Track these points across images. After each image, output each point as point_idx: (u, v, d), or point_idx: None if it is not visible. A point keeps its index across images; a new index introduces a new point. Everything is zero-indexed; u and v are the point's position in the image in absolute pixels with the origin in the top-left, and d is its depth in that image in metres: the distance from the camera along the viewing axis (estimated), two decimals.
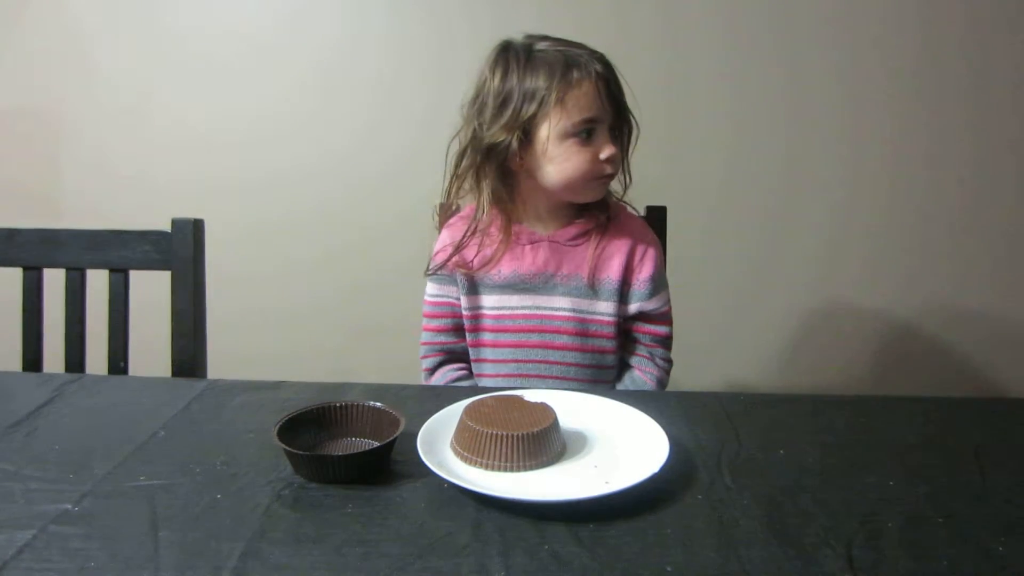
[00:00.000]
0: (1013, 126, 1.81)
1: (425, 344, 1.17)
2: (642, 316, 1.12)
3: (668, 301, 1.14)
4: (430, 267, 1.14)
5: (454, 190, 1.11)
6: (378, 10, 1.82)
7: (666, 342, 1.14)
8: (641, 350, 1.14)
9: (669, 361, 1.16)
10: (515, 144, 1.03)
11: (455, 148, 1.10)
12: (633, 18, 1.78)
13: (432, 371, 1.17)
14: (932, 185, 1.86)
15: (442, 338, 1.16)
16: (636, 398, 0.89)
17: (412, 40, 1.83)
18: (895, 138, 1.84)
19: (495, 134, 1.03)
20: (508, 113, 1.03)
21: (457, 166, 1.10)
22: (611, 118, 1.04)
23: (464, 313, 1.13)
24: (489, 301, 1.12)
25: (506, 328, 1.12)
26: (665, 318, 1.14)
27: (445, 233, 1.16)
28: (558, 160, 1.03)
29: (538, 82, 1.01)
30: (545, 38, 1.06)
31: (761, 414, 0.89)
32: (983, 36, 1.77)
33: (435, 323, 1.16)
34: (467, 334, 1.14)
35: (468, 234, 1.11)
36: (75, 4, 1.85)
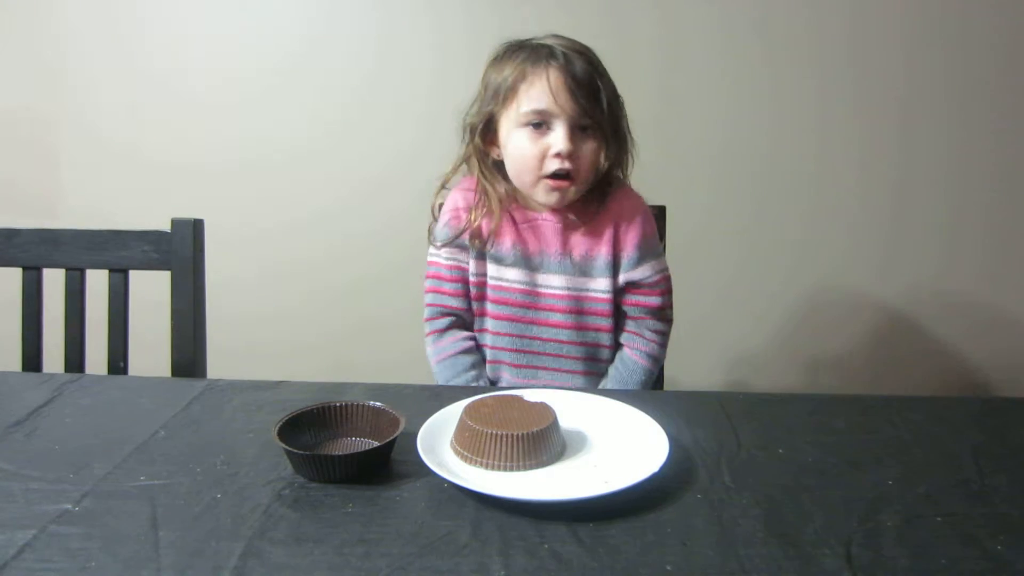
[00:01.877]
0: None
1: (432, 306, 1.16)
2: (632, 286, 1.11)
3: (662, 271, 1.13)
4: (439, 233, 1.14)
5: (462, 158, 1.14)
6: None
7: (657, 313, 1.13)
8: (630, 325, 1.13)
9: (661, 333, 1.14)
10: (478, 136, 1.08)
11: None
12: (632, 17, 1.78)
13: (442, 333, 1.15)
14: (938, 184, 1.86)
15: (452, 302, 1.15)
16: (635, 397, 0.89)
17: (399, 28, 1.83)
18: (898, 134, 1.84)
19: (472, 117, 1.09)
20: (483, 99, 1.08)
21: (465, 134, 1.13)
22: (574, 116, 1.02)
23: (471, 279, 1.13)
24: (492, 271, 1.13)
25: (504, 300, 1.12)
26: (656, 287, 1.12)
27: (457, 195, 1.15)
28: (510, 150, 1.06)
29: (504, 71, 1.04)
30: (558, 38, 1.07)
31: (760, 413, 0.89)
32: (973, 27, 1.77)
33: (447, 286, 1.14)
34: (473, 302, 1.14)
35: (478, 203, 1.13)
36: (75, 5, 1.85)
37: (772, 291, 1.93)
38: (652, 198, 1.24)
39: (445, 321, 1.15)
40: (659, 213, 1.25)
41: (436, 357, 1.15)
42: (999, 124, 1.81)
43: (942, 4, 1.76)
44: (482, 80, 1.09)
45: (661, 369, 1.19)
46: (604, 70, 1.07)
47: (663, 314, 1.14)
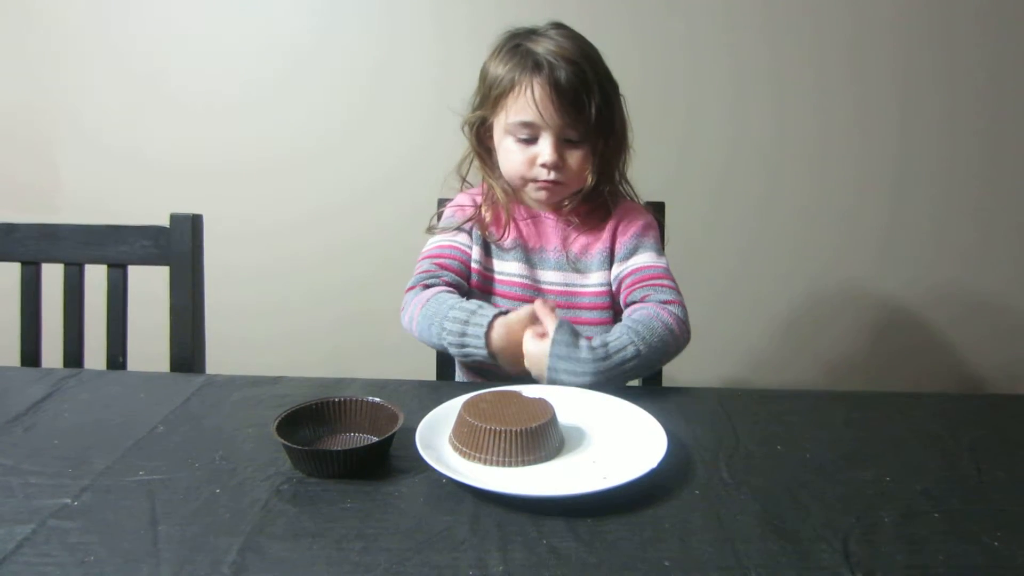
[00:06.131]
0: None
1: (421, 273, 1.08)
2: (638, 277, 1.05)
3: (667, 270, 1.07)
4: (443, 223, 1.15)
5: (469, 156, 1.15)
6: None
7: (679, 309, 1.02)
8: (651, 299, 1.04)
9: (681, 320, 1.01)
10: (470, 131, 1.11)
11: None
12: (629, 15, 1.78)
13: (427, 287, 1.06)
14: (937, 181, 1.86)
15: (444, 274, 1.08)
16: (634, 393, 0.89)
17: (400, 28, 1.83)
18: (899, 130, 1.84)
19: (468, 117, 1.11)
20: (480, 94, 1.09)
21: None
22: (559, 128, 1.02)
23: (474, 267, 1.13)
24: (496, 265, 1.15)
25: (505, 294, 1.14)
26: (665, 278, 1.05)
27: (464, 197, 1.18)
28: (502, 154, 1.09)
29: (500, 74, 1.04)
30: (559, 26, 1.07)
31: (759, 410, 0.89)
32: (990, 24, 1.77)
33: (441, 261, 1.09)
34: (473, 288, 1.14)
35: (485, 199, 1.15)
36: (75, 2, 1.85)
37: (771, 288, 1.93)
38: (651, 195, 1.24)
39: (434, 281, 1.06)
40: (658, 210, 1.25)
41: (417, 304, 1.02)
42: (992, 116, 1.82)
43: (938, 7, 1.77)
44: (480, 72, 1.10)
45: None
46: (600, 70, 1.04)
47: (681, 311, 1.02)
